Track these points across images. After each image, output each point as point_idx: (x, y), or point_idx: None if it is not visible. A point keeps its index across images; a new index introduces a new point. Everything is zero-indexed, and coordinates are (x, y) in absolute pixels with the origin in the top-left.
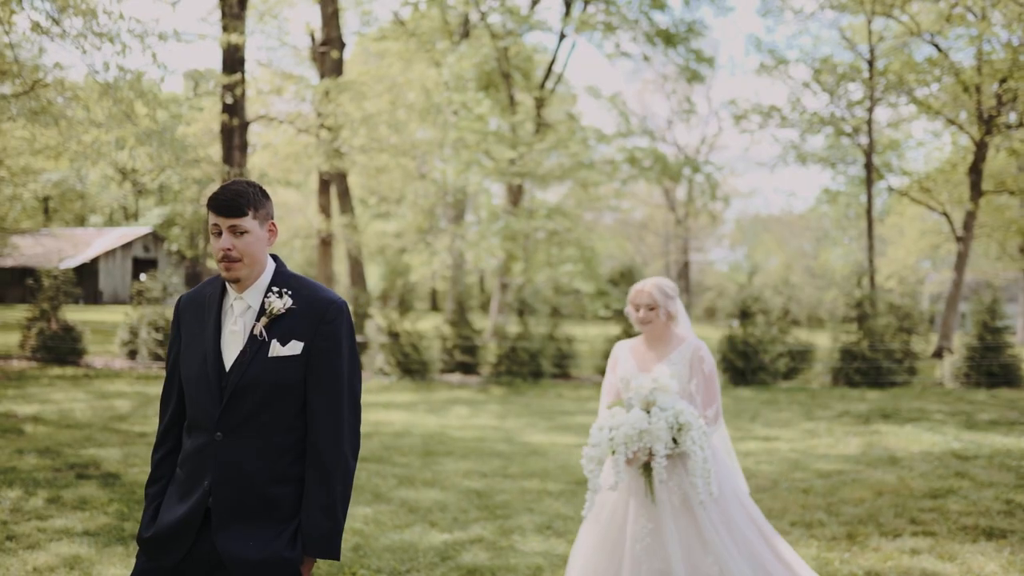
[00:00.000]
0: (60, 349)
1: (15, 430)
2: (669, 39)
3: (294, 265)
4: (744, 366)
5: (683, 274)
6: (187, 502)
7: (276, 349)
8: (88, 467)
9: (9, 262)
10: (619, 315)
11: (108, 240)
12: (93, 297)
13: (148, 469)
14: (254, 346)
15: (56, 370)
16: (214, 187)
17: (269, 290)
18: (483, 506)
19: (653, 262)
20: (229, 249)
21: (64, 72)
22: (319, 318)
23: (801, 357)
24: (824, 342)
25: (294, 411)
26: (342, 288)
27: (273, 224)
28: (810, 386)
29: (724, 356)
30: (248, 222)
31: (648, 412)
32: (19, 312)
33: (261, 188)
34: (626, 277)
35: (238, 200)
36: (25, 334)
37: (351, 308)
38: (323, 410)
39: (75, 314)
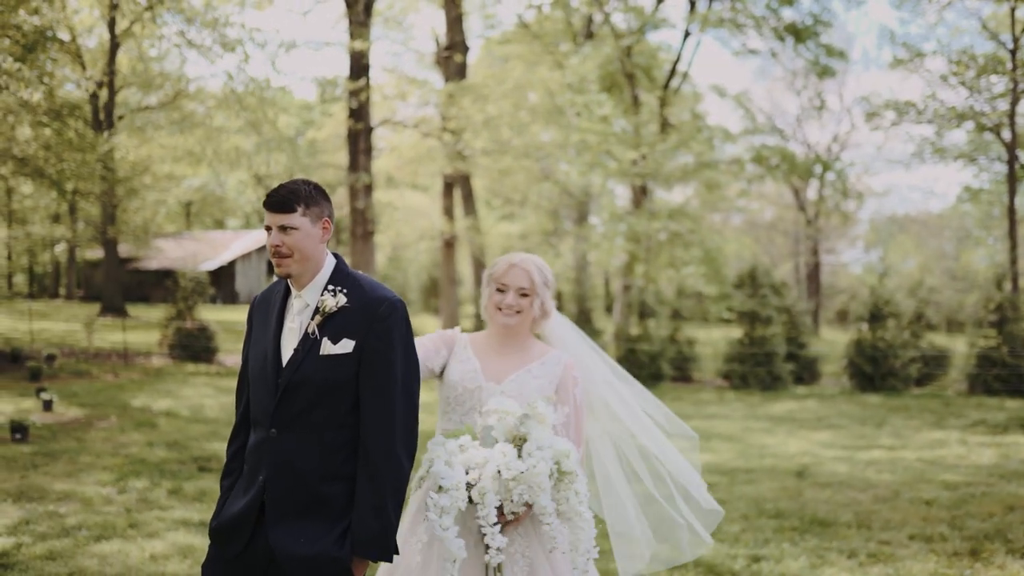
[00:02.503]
0: (194, 347)
1: (149, 424)
2: (798, 34)
3: (419, 267)
4: (872, 371)
5: (813, 276)
6: (247, 496)
7: (327, 347)
8: (210, 460)
9: (154, 264)
10: (743, 318)
11: (244, 243)
12: (230, 297)
13: None
14: (307, 344)
15: (190, 367)
16: (330, 189)
17: (325, 288)
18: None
19: (782, 263)
20: (278, 245)
21: (203, 81)
22: (372, 316)
23: (936, 362)
24: (962, 347)
25: (346, 409)
26: (466, 290)
27: (328, 222)
28: (945, 393)
29: (851, 360)
30: (297, 219)
31: (519, 449)
32: (162, 312)
33: (317, 186)
34: (753, 279)
35: (288, 198)
36: (163, 333)
37: (476, 309)
38: (375, 409)
39: (211, 314)
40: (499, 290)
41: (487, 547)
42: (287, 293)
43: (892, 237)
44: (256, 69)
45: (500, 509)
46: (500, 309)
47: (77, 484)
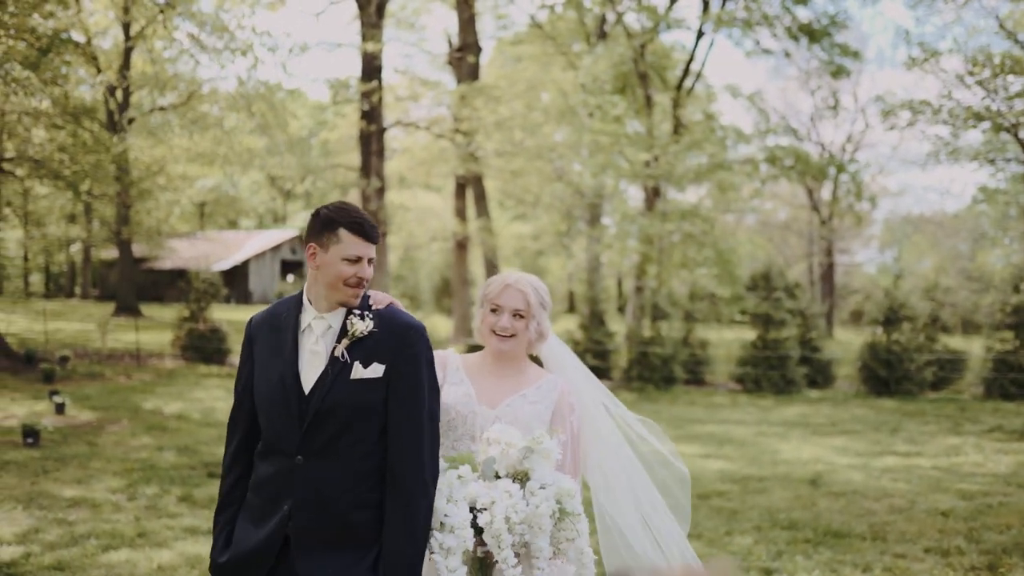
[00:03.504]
0: (206, 349)
1: (160, 427)
2: (812, 34)
3: (431, 268)
4: (887, 375)
5: (827, 276)
6: (265, 526)
7: (358, 371)
8: (220, 466)
9: (168, 264)
10: (757, 320)
11: (258, 243)
12: (244, 297)
13: None
14: (335, 367)
15: (202, 368)
16: (341, 196)
17: (350, 311)
18: None
19: (796, 264)
20: (365, 278)
21: (216, 83)
22: (401, 341)
23: (951, 366)
24: (978, 350)
25: (375, 435)
26: (478, 291)
27: None
28: (960, 397)
29: (865, 364)
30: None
31: (522, 485)
32: (175, 312)
33: None
34: (766, 280)
35: (377, 229)
36: (176, 334)
37: None
38: (404, 435)
39: (224, 314)
40: (493, 311)
41: None
42: (298, 314)
43: (907, 238)
44: (267, 73)
45: (484, 546)
46: (495, 332)
47: (87, 490)
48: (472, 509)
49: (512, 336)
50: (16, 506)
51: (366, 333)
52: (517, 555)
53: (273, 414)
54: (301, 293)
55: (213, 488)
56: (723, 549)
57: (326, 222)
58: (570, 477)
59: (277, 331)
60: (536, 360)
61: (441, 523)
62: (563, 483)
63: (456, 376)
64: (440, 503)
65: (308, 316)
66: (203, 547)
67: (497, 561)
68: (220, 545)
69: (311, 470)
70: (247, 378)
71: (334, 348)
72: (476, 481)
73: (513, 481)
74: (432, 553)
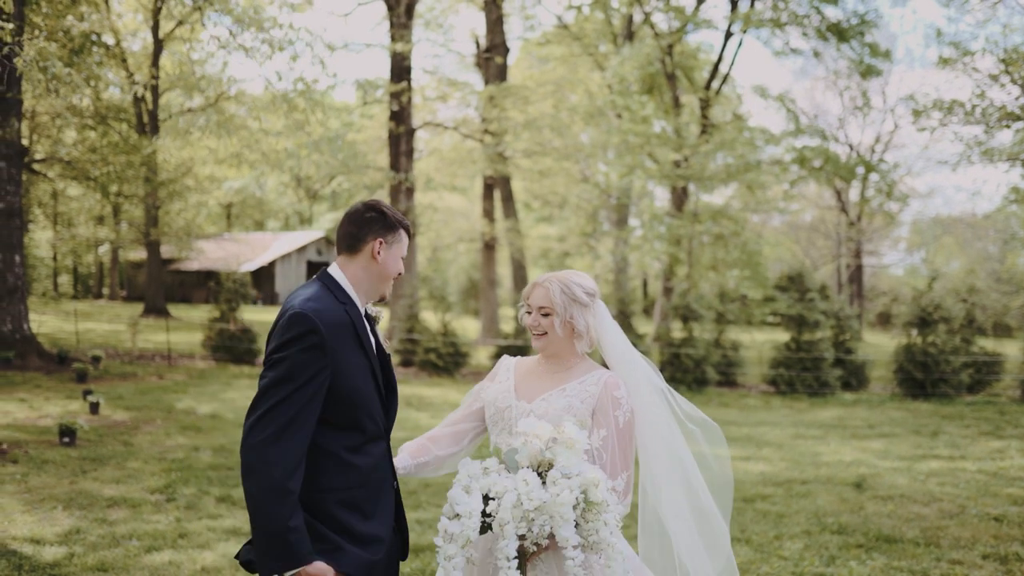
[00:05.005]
0: (236, 349)
1: (194, 428)
2: (841, 34)
3: (458, 268)
4: (923, 377)
5: (855, 278)
6: (383, 512)
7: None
8: None
9: (195, 265)
10: (789, 321)
11: (284, 244)
12: (270, 299)
13: None
14: (383, 352)
15: (233, 369)
16: (381, 193)
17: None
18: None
19: (824, 265)
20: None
21: (244, 85)
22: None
23: (988, 368)
24: (1014, 352)
25: None
26: (505, 292)
27: None
28: (998, 400)
29: (901, 366)
30: None
31: (542, 476)
32: (204, 312)
33: None
34: (795, 281)
35: None
36: (207, 334)
37: (515, 312)
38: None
39: (252, 315)
40: (528, 312)
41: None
42: (355, 308)
43: (936, 239)
44: (304, 69)
45: (523, 539)
46: (531, 331)
47: (126, 490)
48: (486, 498)
49: (544, 334)
50: (56, 506)
51: (379, 319)
52: (537, 545)
53: (370, 405)
54: (327, 288)
55: None
56: (773, 555)
57: (392, 222)
58: (601, 469)
59: (346, 329)
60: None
61: (455, 512)
62: (588, 472)
63: (504, 375)
64: (456, 492)
65: (360, 308)
66: None
67: (497, 555)
68: (338, 543)
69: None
70: (323, 381)
71: (379, 338)
72: (499, 473)
73: (538, 472)
74: (438, 538)
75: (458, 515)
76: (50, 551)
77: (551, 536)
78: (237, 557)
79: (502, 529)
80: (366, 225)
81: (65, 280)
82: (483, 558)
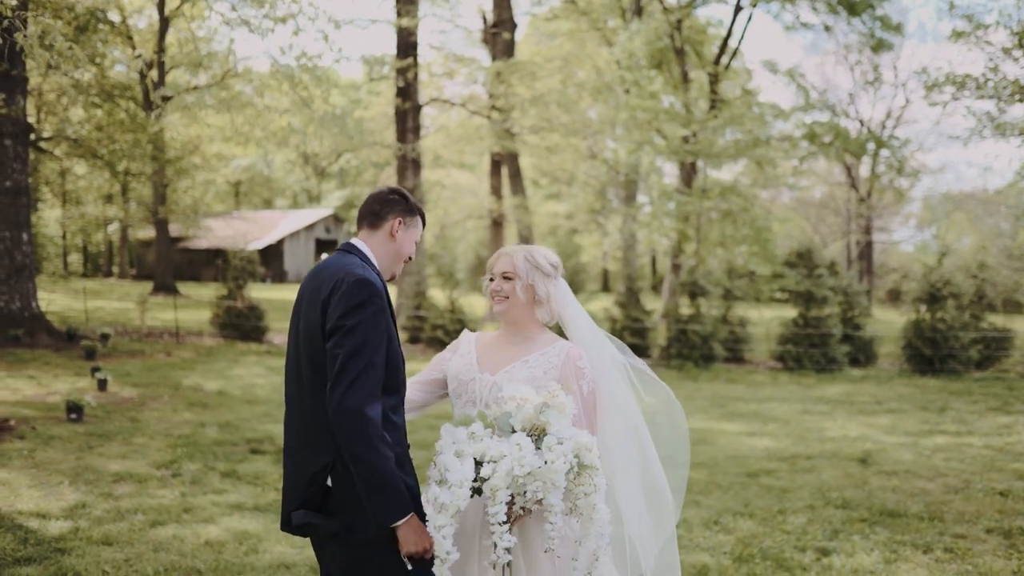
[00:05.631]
0: (244, 327)
1: (201, 404)
2: (852, 7)
3: (466, 246)
4: (932, 353)
5: (865, 255)
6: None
7: None
8: (263, 442)
9: (204, 243)
10: (797, 297)
11: (292, 222)
12: (279, 276)
13: None
14: None
15: (241, 346)
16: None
17: None
18: None
19: (833, 242)
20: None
21: (250, 62)
22: None
23: (997, 344)
24: (1023, 328)
25: None
26: None
27: None
28: (1007, 376)
29: (909, 342)
30: None
31: (537, 441)
32: (212, 290)
33: None
34: (804, 258)
35: None
36: (214, 312)
37: None
38: None
39: (260, 293)
40: (490, 279)
41: (495, 545)
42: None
43: (947, 215)
44: (307, 44)
45: (510, 504)
46: (491, 298)
47: (132, 465)
48: (477, 463)
49: (505, 299)
50: (62, 480)
51: None
52: (523, 509)
53: (404, 370)
54: (360, 259)
55: (256, 464)
56: (777, 528)
57: (412, 207)
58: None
59: (386, 294)
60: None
61: (443, 479)
62: (580, 437)
63: (466, 348)
64: (447, 458)
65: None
66: (249, 523)
67: (490, 519)
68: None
69: None
70: (386, 345)
71: None
72: (490, 438)
73: (530, 437)
74: (428, 507)
75: (447, 483)
76: (55, 525)
77: (539, 501)
78: (286, 526)
79: (494, 495)
80: (388, 204)
81: (75, 259)
82: (461, 523)
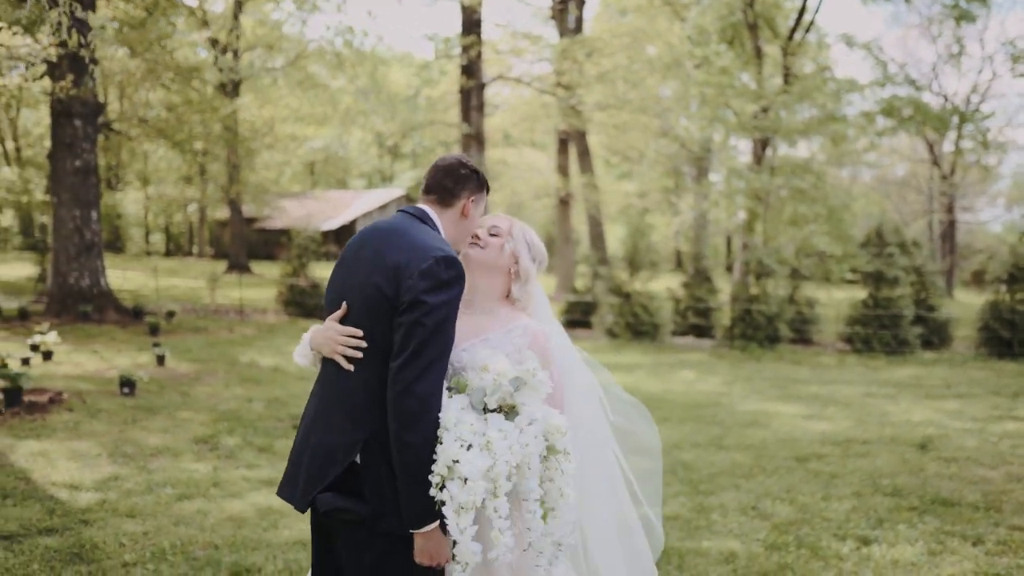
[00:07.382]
0: (306, 304)
1: (254, 380)
2: None
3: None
4: (1010, 336)
5: (948, 235)
6: None
7: None
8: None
9: (279, 223)
10: (868, 278)
11: (365, 202)
12: None
13: None
14: None
15: (303, 323)
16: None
17: None
18: (687, 480)
19: (914, 222)
20: None
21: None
22: None
23: None
24: None
25: None
26: (583, 248)
27: None
28: None
29: (986, 324)
30: None
31: (511, 419)
32: (281, 269)
33: None
34: (880, 237)
35: None
36: (279, 289)
37: (591, 269)
38: None
39: (324, 271)
40: (475, 235)
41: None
42: None
43: None
44: (356, 22)
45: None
46: (468, 242)
47: (171, 439)
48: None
49: (482, 247)
50: (101, 453)
51: None
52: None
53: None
54: (435, 233)
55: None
56: (817, 516)
57: (483, 182)
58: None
59: None
60: None
61: (448, 468)
62: (552, 419)
63: None
64: (458, 450)
65: None
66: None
67: (492, 515)
68: None
69: None
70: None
71: None
72: (478, 421)
73: (504, 417)
74: (447, 509)
75: (461, 477)
76: (85, 497)
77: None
78: (312, 507)
79: (495, 486)
80: (461, 181)
81: (158, 239)
82: None
